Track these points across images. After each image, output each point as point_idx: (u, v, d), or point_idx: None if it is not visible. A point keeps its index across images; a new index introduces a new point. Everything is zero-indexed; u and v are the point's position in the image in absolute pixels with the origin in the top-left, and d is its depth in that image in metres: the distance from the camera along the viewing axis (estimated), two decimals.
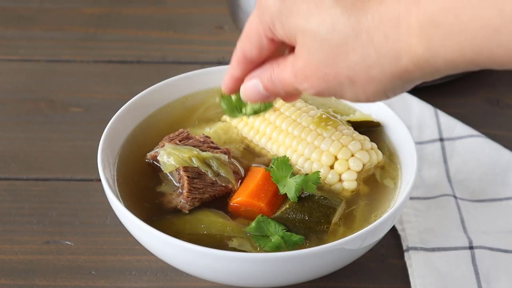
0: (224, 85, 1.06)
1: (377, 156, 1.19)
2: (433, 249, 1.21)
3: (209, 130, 1.25)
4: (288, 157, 1.16)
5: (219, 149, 1.18)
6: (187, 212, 1.13)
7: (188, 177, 1.14)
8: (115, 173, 1.17)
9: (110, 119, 1.21)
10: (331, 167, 1.17)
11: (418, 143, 1.38)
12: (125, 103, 1.24)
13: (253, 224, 1.10)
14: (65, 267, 1.21)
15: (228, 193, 1.16)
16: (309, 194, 1.13)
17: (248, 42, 0.99)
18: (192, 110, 1.29)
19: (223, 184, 1.16)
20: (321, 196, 1.13)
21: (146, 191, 1.16)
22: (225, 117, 1.28)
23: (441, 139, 1.39)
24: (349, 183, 1.17)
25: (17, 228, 1.27)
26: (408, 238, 1.23)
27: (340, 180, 1.17)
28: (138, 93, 1.26)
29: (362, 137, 1.19)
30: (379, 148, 1.21)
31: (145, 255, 1.21)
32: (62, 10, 1.76)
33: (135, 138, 1.23)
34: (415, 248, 1.21)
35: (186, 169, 1.15)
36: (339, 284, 1.19)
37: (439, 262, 1.19)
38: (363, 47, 0.88)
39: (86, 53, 1.64)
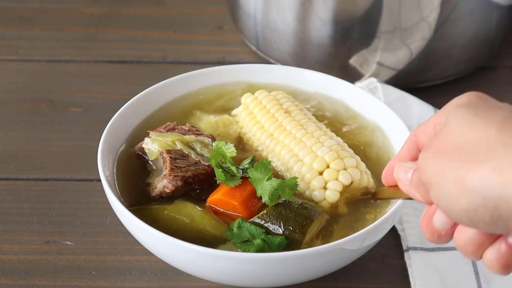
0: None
1: (367, 181, 1.16)
2: (433, 249, 1.21)
3: (213, 119, 1.24)
4: (269, 161, 1.13)
5: (203, 135, 1.18)
6: (169, 191, 1.12)
7: (170, 157, 1.14)
8: (115, 173, 1.17)
9: (110, 119, 1.21)
10: (320, 173, 1.15)
11: None
12: (125, 103, 1.24)
13: (234, 229, 1.09)
14: (65, 267, 1.21)
15: (212, 175, 1.14)
16: (289, 201, 1.10)
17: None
18: (192, 110, 1.29)
19: (206, 164, 1.14)
20: (301, 205, 1.10)
21: (146, 191, 1.16)
22: (234, 112, 1.27)
23: None
24: (332, 192, 1.13)
25: (17, 228, 1.27)
26: (408, 238, 1.23)
27: (325, 188, 1.14)
28: (138, 93, 1.26)
29: (361, 162, 1.17)
30: (379, 147, 1.20)
31: (145, 255, 1.21)
32: (62, 10, 1.76)
33: (135, 138, 1.23)
34: (415, 248, 1.21)
35: (169, 151, 1.14)
36: (339, 284, 1.19)
37: (439, 262, 1.19)
38: None
39: (86, 53, 1.64)
